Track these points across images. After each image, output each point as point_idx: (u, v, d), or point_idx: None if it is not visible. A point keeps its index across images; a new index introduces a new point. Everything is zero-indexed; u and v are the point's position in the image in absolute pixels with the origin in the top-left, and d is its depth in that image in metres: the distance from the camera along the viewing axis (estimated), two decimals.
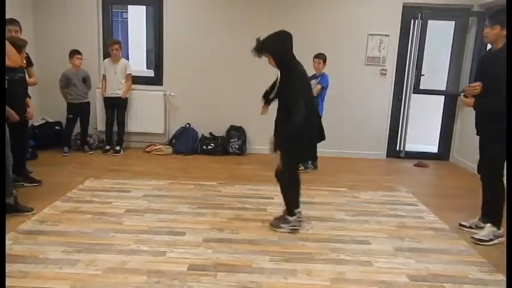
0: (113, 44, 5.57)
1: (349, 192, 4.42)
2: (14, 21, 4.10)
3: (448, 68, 6.09)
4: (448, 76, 6.09)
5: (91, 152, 5.66)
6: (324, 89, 5.10)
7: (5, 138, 3.35)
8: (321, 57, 5.13)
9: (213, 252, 2.87)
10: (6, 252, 2.74)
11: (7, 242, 2.89)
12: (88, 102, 5.69)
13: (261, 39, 3.12)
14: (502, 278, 2.68)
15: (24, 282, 2.40)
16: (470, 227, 3.41)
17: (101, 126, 5.90)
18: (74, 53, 5.46)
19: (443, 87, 6.11)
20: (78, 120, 5.63)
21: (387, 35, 5.83)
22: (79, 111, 5.60)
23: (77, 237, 3.02)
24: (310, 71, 5.38)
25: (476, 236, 3.21)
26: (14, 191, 3.48)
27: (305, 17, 5.80)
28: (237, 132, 6.00)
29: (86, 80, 5.58)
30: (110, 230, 3.18)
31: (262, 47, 3.10)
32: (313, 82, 5.22)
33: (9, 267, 2.54)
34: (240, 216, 3.53)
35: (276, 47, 3.19)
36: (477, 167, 3.34)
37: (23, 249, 2.81)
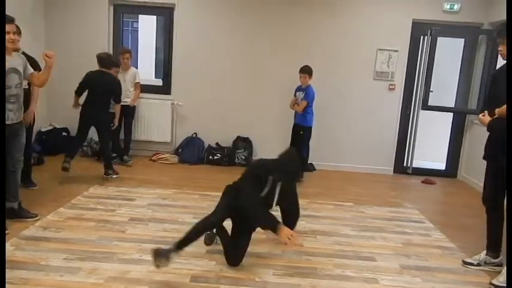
0: (124, 52, 5.61)
1: (355, 207, 4.37)
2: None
3: (457, 85, 6.06)
4: (456, 93, 6.06)
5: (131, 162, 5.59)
6: (310, 103, 5.22)
7: (21, 142, 3.37)
8: (306, 72, 5.21)
9: (216, 264, 2.84)
10: (8, 258, 2.72)
11: (9, 248, 2.88)
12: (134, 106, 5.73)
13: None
14: None
15: None
16: (478, 265, 3.06)
17: None
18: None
19: (451, 104, 6.07)
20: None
21: (396, 51, 5.83)
22: (126, 114, 5.57)
23: (79, 245, 3.00)
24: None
25: (496, 283, 2.77)
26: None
27: (315, 28, 5.82)
28: (243, 143, 5.99)
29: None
30: (113, 238, 3.16)
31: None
32: (299, 94, 5.28)
33: (10, 274, 2.52)
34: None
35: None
36: (482, 198, 3.08)
37: (24, 255, 2.80)
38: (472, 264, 3.10)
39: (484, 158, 3.11)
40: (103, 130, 4.88)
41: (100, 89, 4.75)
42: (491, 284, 2.79)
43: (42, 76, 3.39)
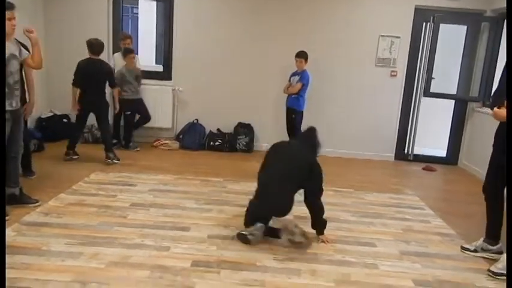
0: (124, 38, 5.56)
1: (355, 193, 4.38)
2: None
3: (459, 72, 6.01)
4: (458, 81, 6.02)
5: (138, 149, 5.59)
6: (305, 86, 5.24)
7: (21, 128, 3.37)
8: (302, 56, 5.23)
9: (217, 249, 2.85)
10: (9, 243, 2.74)
11: (11, 233, 2.89)
12: (141, 99, 5.70)
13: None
14: None
15: (26, 273, 2.40)
16: (475, 251, 3.08)
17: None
18: (127, 52, 5.47)
19: (453, 91, 6.04)
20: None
21: (398, 37, 5.77)
22: (136, 107, 5.62)
23: (80, 230, 3.02)
24: (291, 68, 5.42)
25: (494, 270, 2.78)
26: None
27: (316, 15, 5.77)
28: (245, 129, 5.98)
29: (137, 78, 5.58)
30: (114, 223, 3.17)
31: None
32: (294, 78, 5.32)
33: (11, 259, 2.54)
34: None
35: None
36: (483, 187, 3.07)
37: (26, 240, 2.81)
38: (469, 249, 3.11)
39: (494, 146, 3.04)
40: (101, 116, 4.92)
41: (93, 76, 4.80)
42: (489, 270, 2.81)
43: (35, 57, 3.36)
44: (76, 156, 4.97)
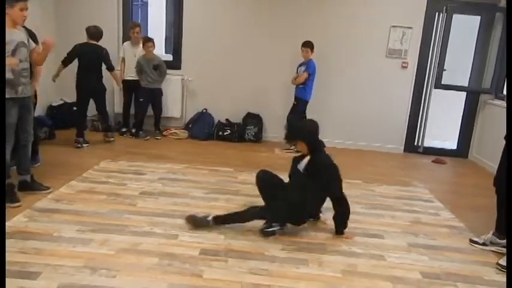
0: (134, 26, 5.56)
1: (364, 185, 4.37)
2: None
3: (471, 64, 5.93)
4: (471, 72, 5.94)
5: (147, 138, 5.65)
6: (311, 75, 5.28)
7: (32, 116, 3.41)
8: (308, 46, 5.27)
9: (225, 238, 2.88)
10: (21, 229, 2.79)
11: (23, 219, 2.94)
12: (159, 89, 5.72)
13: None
14: None
15: (38, 259, 2.44)
16: (484, 244, 3.06)
17: (118, 108, 5.94)
18: (145, 41, 5.52)
19: (465, 83, 5.97)
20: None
21: (410, 28, 5.69)
22: (150, 96, 5.66)
23: (91, 217, 3.06)
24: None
25: (503, 263, 2.77)
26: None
27: (325, 5, 5.70)
28: (253, 119, 5.98)
29: (157, 67, 5.60)
30: (124, 211, 3.21)
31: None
32: (301, 69, 5.32)
33: (23, 244, 2.59)
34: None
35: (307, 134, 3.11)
36: (494, 179, 3.05)
37: (38, 226, 2.86)
38: (477, 243, 3.10)
39: (506, 138, 3.00)
40: (99, 99, 5.13)
41: (87, 59, 4.95)
42: (498, 264, 2.80)
43: (39, 56, 3.40)
44: (86, 144, 5.05)
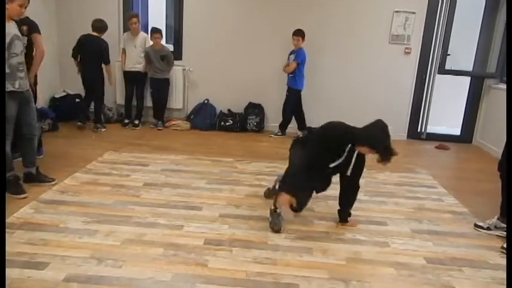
0: (130, 17, 5.54)
1: (367, 172, 4.31)
2: None
3: (475, 48, 5.86)
4: (475, 56, 5.88)
5: (161, 128, 5.73)
6: (300, 64, 5.32)
7: (34, 109, 3.43)
8: (299, 34, 5.29)
9: (229, 228, 2.89)
10: (28, 220, 2.82)
11: (29, 211, 2.97)
12: (167, 79, 5.76)
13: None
14: None
15: (45, 249, 2.47)
16: (488, 228, 3.06)
17: (120, 100, 5.93)
18: (152, 32, 5.56)
19: (469, 68, 5.91)
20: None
21: (414, 12, 5.62)
22: (157, 86, 5.72)
23: (96, 208, 3.08)
24: (286, 46, 5.49)
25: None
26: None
27: None
28: (255, 109, 5.96)
29: (164, 58, 5.61)
30: (128, 202, 3.23)
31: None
32: (291, 57, 5.41)
33: (30, 235, 2.62)
34: (256, 193, 3.53)
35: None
36: (498, 164, 3.05)
37: (44, 217, 2.88)
38: (482, 227, 3.10)
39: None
40: (95, 88, 5.37)
41: (89, 50, 5.22)
42: (502, 248, 2.80)
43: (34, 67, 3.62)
44: (104, 129, 5.44)
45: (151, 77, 5.70)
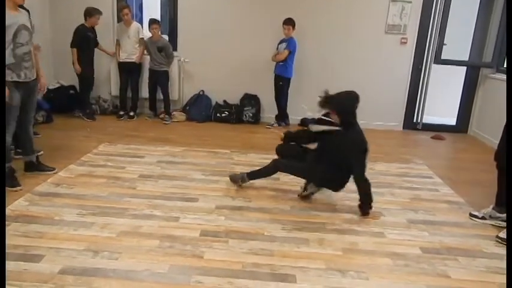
0: (122, 9, 5.50)
1: None
2: None
3: (471, 38, 5.84)
4: (471, 46, 5.86)
5: (168, 122, 5.64)
6: (291, 53, 5.36)
7: (35, 100, 3.41)
8: (290, 23, 5.32)
9: (225, 219, 2.89)
10: (23, 212, 2.80)
11: (23, 203, 2.95)
12: (165, 72, 5.66)
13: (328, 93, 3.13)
14: None
15: (40, 242, 2.46)
16: (483, 218, 3.07)
17: (115, 91, 5.88)
18: (150, 23, 5.50)
19: (465, 58, 5.90)
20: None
21: (410, 2, 5.58)
22: (156, 79, 5.65)
23: (91, 201, 3.06)
24: (281, 36, 5.46)
25: (502, 236, 2.79)
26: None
27: None
28: (251, 100, 5.93)
29: (162, 50, 5.54)
30: (123, 194, 3.21)
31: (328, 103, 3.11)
32: (281, 46, 5.43)
33: (26, 227, 2.60)
34: (252, 185, 3.52)
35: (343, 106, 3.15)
36: (495, 154, 3.05)
37: (39, 210, 2.86)
38: (477, 216, 3.11)
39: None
40: (85, 81, 5.51)
41: (85, 41, 5.33)
42: (497, 237, 2.81)
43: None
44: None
45: (150, 69, 5.64)
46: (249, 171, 3.47)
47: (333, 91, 3.29)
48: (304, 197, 3.30)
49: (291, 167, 3.26)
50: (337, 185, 3.20)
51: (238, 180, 3.43)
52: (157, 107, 5.86)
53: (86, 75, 5.43)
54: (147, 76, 5.80)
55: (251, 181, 3.43)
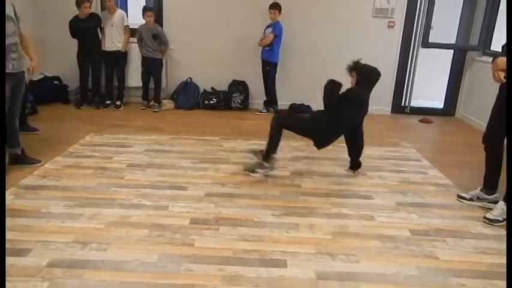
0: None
1: None
2: None
3: (458, 21, 5.84)
4: (458, 30, 5.87)
5: (158, 110, 5.59)
6: (277, 37, 5.35)
7: (23, 91, 3.37)
8: (276, 7, 5.31)
9: (215, 207, 2.87)
10: (8, 206, 2.75)
11: (9, 197, 2.90)
12: (159, 60, 5.61)
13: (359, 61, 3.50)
14: (503, 232, 2.68)
15: (27, 236, 2.42)
16: (471, 199, 3.10)
17: (103, 80, 5.78)
18: (144, 10, 5.42)
19: (452, 41, 5.91)
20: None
21: None
22: (149, 66, 5.57)
23: (79, 192, 3.02)
24: (268, 21, 5.42)
25: (489, 217, 2.82)
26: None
27: None
28: (239, 86, 5.89)
29: (156, 37, 5.47)
30: (111, 184, 3.17)
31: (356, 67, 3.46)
32: (268, 30, 5.42)
33: (12, 222, 2.55)
34: (242, 171, 3.51)
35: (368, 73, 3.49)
36: (483, 137, 3.05)
37: (25, 203, 2.82)
38: (465, 198, 3.14)
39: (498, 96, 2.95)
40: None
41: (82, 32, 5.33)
42: (485, 217, 2.85)
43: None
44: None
45: (143, 56, 5.57)
46: (259, 153, 3.49)
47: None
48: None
49: (291, 118, 3.52)
50: (326, 139, 3.43)
51: (257, 168, 3.39)
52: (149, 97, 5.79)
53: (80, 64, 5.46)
54: (133, 65, 5.71)
55: (274, 155, 3.39)
